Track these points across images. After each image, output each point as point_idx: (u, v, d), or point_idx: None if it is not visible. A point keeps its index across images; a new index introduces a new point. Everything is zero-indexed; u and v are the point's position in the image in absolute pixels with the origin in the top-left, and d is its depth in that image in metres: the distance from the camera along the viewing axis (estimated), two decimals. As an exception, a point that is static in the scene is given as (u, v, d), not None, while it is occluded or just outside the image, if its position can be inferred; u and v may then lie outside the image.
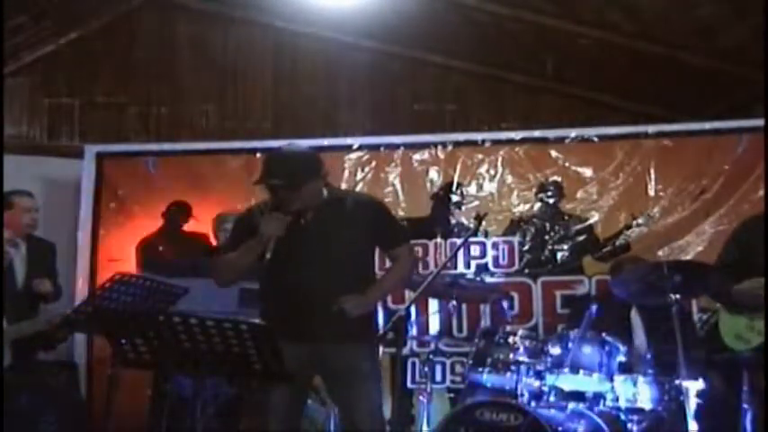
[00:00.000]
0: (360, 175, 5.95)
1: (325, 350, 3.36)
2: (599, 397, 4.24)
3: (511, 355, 4.31)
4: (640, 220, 5.60)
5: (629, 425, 4.21)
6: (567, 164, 5.77)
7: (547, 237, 5.71)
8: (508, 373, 4.30)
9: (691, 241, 5.51)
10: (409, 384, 5.53)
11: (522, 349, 4.30)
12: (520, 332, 4.51)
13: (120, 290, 3.72)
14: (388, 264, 3.72)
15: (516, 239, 5.72)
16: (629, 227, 5.62)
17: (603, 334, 4.32)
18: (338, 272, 3.37)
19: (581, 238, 5.69)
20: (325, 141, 5.97)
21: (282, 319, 3.32)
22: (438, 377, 5.51)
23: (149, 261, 5.73)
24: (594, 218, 5.70)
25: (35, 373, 4.48)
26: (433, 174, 5.91)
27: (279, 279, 3.39)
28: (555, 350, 4.29)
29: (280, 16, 7.13)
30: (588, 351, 4.28)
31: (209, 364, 2.86)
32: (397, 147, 5.99)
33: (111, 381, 4.17)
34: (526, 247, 5.72)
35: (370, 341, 3.48)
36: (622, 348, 4.36)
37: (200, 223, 5.93)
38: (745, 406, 4.05)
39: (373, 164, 5.96)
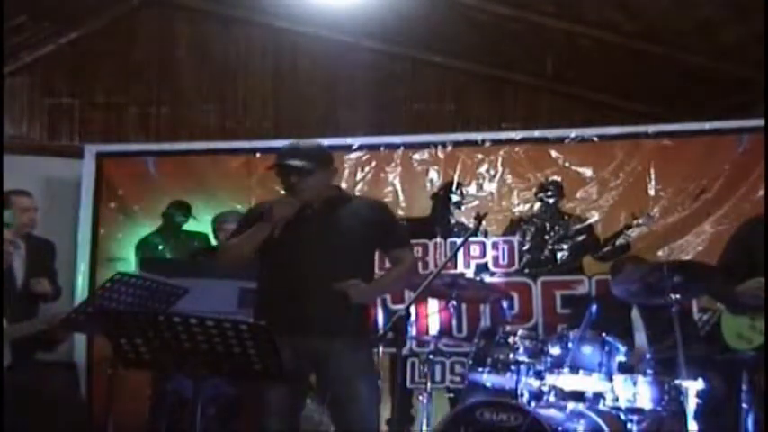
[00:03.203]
0: (360, 175, 5.94)
1: (319, 344, 3.34)
2: (599, 397, 4.24)
3: (511, 355, 4.30)
4: (640, 220, 5.59)
5: (629, 425, 4.21)
6: (567, 164, 5.76)
7: (547, 237, 5.71)
8: (508, 373, 4.30)
9: (691, 241, 5.51)
10: (409, 384, 5.52)
11: (522, 349, 4.30)
12: (520, 332, 4.51)
13: (120, 290, 3.72)
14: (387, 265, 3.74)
15: (516, 239, 5.72)
16: (629, 227, 5.61)
17: (603, 334, 4.32)
18: (338, 263, 3.39)
19: (581, 238, 5.68)
20: (326, 141, 5.90)
21: (279, 307, 3.35)
22: (438, 377, 5.50)
23: (149, 261, 5.73)
24: (594, 218, 5.69)
25: (35, 373, 4.47)
26: (433, 174, 5.91)
27: (280, 264, 3.43)
28: (555, 350, 4.29)
29: (280, 16, 7.12)
30: (588, 351, 4.28)
31: (209, 364, 2.86)
32: (397, 147, 5.99)
33: (111, 381, 4.17)
34: (526, 247, 5.72)
35: (366, 339, 3.46)
36: (622, 348, 4.36)
37: (200, 223, 5.95)
38: (745, 406, 4.06)
39: (373, 164, 5.96)
